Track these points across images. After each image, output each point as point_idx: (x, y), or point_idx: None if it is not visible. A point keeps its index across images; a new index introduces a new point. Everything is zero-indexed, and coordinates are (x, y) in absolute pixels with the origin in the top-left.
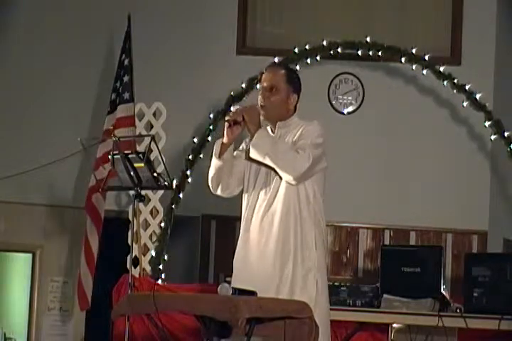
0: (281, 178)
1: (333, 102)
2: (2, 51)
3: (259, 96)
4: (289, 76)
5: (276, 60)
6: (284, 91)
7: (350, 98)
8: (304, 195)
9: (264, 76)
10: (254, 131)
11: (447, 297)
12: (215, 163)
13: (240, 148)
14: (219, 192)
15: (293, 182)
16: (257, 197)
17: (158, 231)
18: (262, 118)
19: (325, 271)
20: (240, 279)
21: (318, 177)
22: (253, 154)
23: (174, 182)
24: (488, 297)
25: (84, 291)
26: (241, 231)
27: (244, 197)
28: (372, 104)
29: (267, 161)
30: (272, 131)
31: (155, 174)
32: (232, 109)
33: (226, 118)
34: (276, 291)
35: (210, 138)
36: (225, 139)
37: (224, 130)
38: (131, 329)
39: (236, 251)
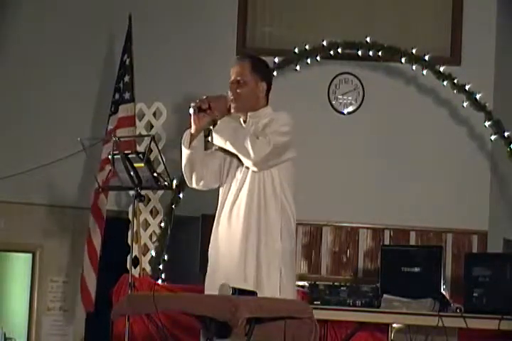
0: (247, 169)
1: (333, 102)
2: (2, 51)
3: (228, 91)
4: (254, 65)
5: (276, 59)
6: (252, 82)
7: (350, 98)
8: (270, 185)
9: (231, 70)
10: (219, 119)
11: (447, 297)
12: (185, 152)
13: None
14: (193, 183)
15: (254, 168)
16: (228, 192)
17: (158, 231)
18: (233, 110)
19: (291, 262)
20: (212, 273)
21: (285, 167)
22: (215, 140)
23: (174, 182)
24: (488, 297)
25: (89, 292)
26: (214, 225)
27: (220, 193)
28: (372, 104)
29: (228, 147)
30: (244, 122)
31: (155, 174)
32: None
33: (191, 104)
34: (243, 281)
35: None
36: (192, 129)
37: (191, 118)
38: (131, 329)
39: (210, 245)
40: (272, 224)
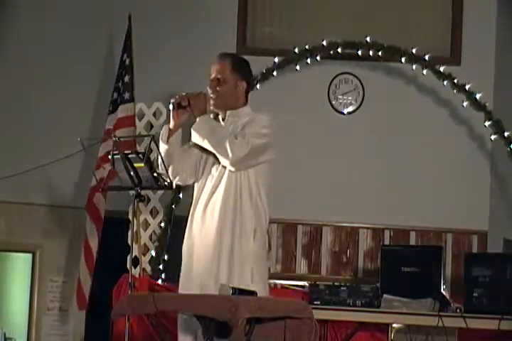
0: (224, 167)
1: (333, 102)
2: (2, 51)
3: (208, 88)
4: (235, 64)
5: (276, 59)
6: (231, 81)
7: (350, 98)
8: (246, 185)
9: (211, 67)
10: (198, 116)
11: (447, 297)
12: (163, 148)
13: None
14: (170, 176)
15: (231, 168)
16: (202, 189)
17: (158, 231)
18: (211, 107)
19: (263, 261)
20: (185, 270)
21: (262, 168)
22: (194, 138)
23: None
24: (488, 297)
25: (83, 291)
26: (188, 222)
27: (195, 189)
28: (372, 104)
29: (206, 145)
30: (222, 120)
31: (155, 174)
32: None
33: (171, 100)
34: (214, 281)
35: None
36: (171, 124)
37: (170, 114)
38: (131, 329)
39: (183, 243)
40: (246, 223)
